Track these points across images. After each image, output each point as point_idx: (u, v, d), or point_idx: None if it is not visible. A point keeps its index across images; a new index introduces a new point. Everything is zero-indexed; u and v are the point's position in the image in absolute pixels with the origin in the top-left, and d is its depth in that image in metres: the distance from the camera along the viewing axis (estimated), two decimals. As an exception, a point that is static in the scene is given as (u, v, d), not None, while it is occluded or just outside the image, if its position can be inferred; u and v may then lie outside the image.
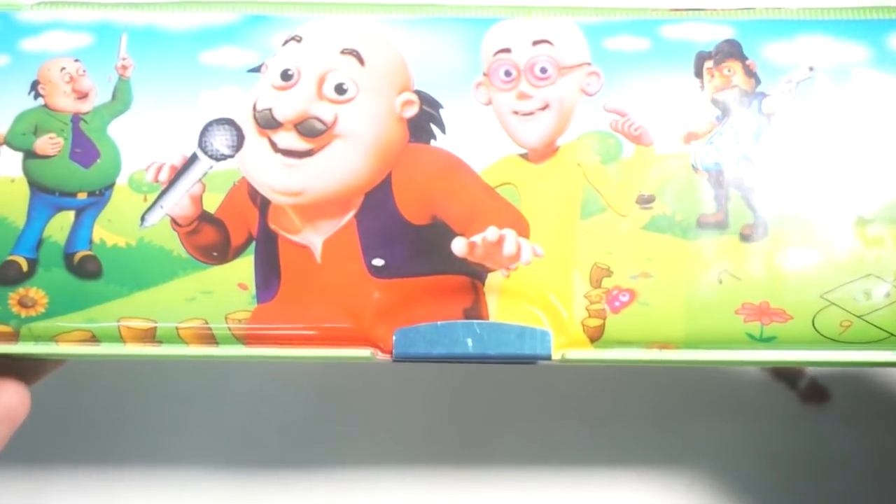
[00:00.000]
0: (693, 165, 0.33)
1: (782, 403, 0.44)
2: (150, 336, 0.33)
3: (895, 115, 0.33)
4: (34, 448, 0.40)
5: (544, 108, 0.34)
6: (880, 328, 0.33)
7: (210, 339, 0.33)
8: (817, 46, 0.34)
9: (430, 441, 0.44)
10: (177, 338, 0.33)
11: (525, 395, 0.44)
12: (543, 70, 0.34)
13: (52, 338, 0.33)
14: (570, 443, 0.44)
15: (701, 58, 0.34)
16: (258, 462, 0.44)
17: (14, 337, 0.33)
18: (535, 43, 0.34)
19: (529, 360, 0.33)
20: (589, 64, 0.34)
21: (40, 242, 0.33)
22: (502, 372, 0.42)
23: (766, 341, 0.33)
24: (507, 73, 0.34)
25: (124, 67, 0.34)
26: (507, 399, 0.44)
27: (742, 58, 0.34)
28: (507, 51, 0.34)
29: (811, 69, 0.34)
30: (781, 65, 0.34)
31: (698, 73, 0.34)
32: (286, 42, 0.34)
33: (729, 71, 0.34)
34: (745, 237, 0.33)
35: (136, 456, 0.44)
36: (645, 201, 0.33)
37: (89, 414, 0.43)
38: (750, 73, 0.34)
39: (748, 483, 0.44)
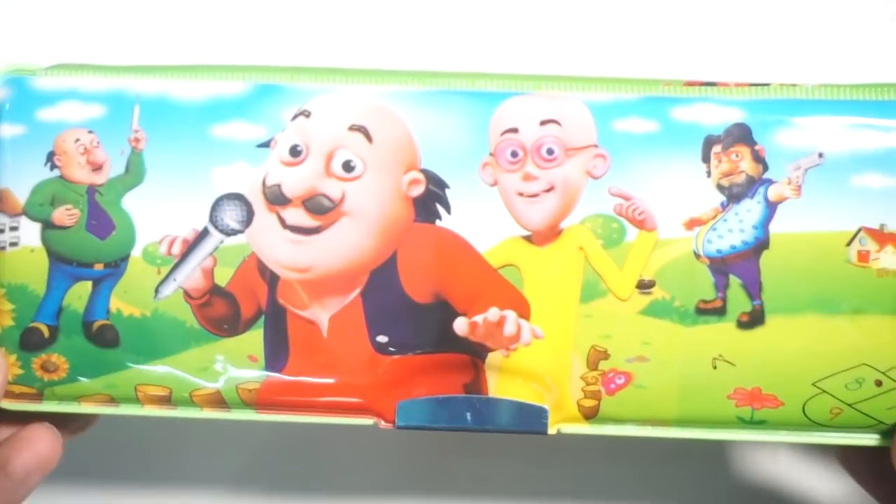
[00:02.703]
0: (695, 252, 0.34)
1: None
2: (165, 400, 0.35)
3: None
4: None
5: (549, 189, 0.34)
6: (869, 416, 0.34)
7: (223, 404, 0.35)
8: (831, 131, 0.34)
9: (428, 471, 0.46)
10: (190, 403, 0.35)
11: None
12: (550, 151, 0.34)
13: (75, 399, 0.35)
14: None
15: (709, 142, 0.34)
16: (260, 487, 0.46)
17: (38, 398, 0.35)
18: (543, 123, 0.34)
19: (526, 434, 0.34)
20: (596, 146, 0.34)
21: (60, 311, 0.34)
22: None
23: (757, 424, 0.34)
24: (514, 154, 0.34)
25: (137, 140, 0.34)
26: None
27: (751, 143, 0.34)
28: (515, 130, 0.34)
29: (821, 155, 0.33)
30: (791, 150, 0.34)
31: (706, 158, 0.34)
32: (295, 117, 0.34)
33: (737, 156, 0.34)
34: (742, 324, 0.34)
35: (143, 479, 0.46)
36: (645, 286, 0.34)
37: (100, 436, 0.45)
38: (758, 158, 0.34)
39: (749, 483, 0.45)
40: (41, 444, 0.35)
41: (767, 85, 0.34)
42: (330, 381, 0.34)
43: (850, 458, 0.37)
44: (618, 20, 0.44)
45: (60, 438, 0.35)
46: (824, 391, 0.34)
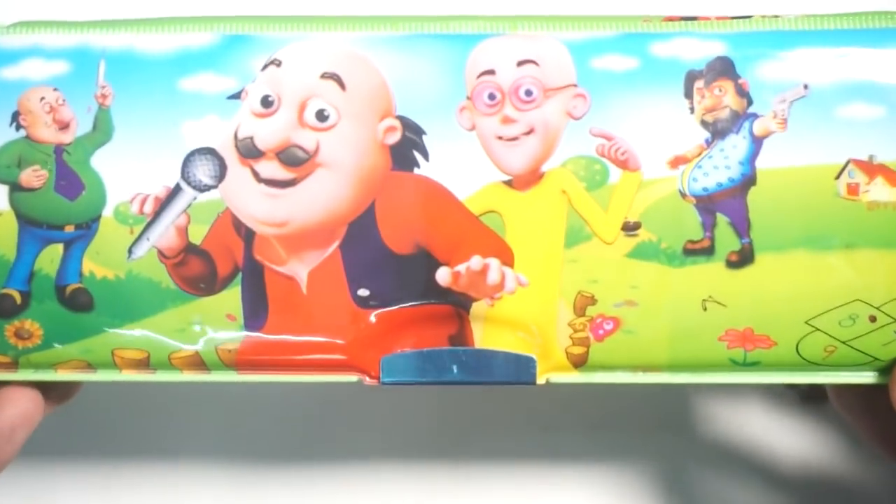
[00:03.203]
0: (680, 191, 0.33)
1: (783, 403, 0.45)
2: (144, 364, 0.34)
3: (888, 140, 0.32)
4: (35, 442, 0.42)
5: (529, 132, 0.33)
6: (865, 353, 0.33)
7: (202, 366, 0.34)
8: (815, 62, 0.33)
9: (423, 436, 0.45)
10: (169, 365, 0.34)
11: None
12: (528, 93, 0.33)
13: (51, 366, 0.34)
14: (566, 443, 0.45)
15: (691, 77, 0.33)
16: (255, 456, 0.45)
17: (13, 366, 0.34)
18: (520, 63, 0.33)
19: (515, 385, 0.34)
20: (575, 86, 0.33)
21: (32, 275, 0.33)
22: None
23: (750, 366, 0.33)
24: (492, 97, 0.33)
25: (104, 96, 0.33)
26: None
27: (734, 76, 0.33)
28: (492, 72, 0.33)
29: (806, 87, 0.33)
30: (776, 82, 0.33)
31: (688, 94, 0.33)
32: (265, 66, 0.33)
33: (720, 91, 0.33)
34: (731, 264, 0.33)
35: (134, 450, 0.45)
36: (630, 228, 0.33)
37: (89, 408, 0.44)
38: (742, 92, 0.33)
39: (748, 483, 0.44)
40: (24, 400, 0.34)
41: (749, 17, 0.33)
42: (311, 338, 0.33)
43: (843, 395, 0.36)
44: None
45: (41, 396, 0.35)
46: (818, 329, 0.33)
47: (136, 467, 0.45)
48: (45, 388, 0.35)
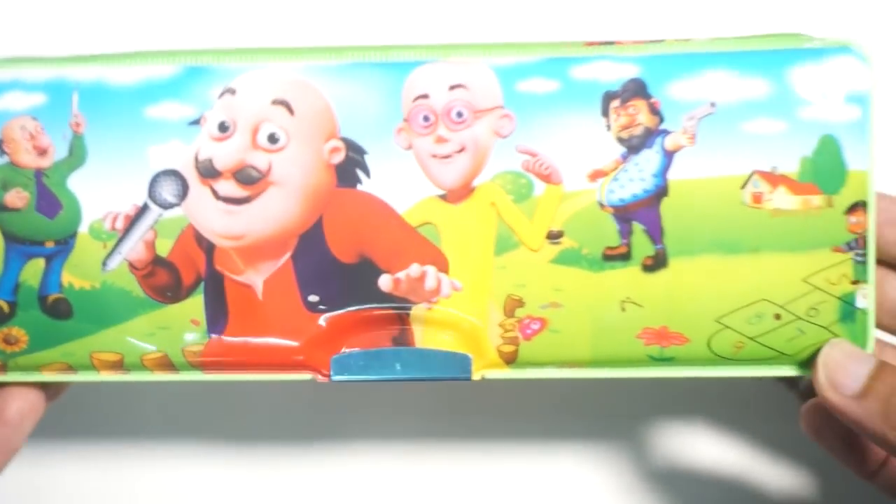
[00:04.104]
0: (599, 202, 0.36)
1: (782, 403, 0.46)
2: (118, 365, 0.37)
3: (789, 152, 0.35)
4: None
5: (461, 150, 0.36)
6: (771, 348, 0.36)
7: (171, 367, 0.37)
8: (722, 82, 0.36)
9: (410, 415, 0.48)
10: (142, 367, 0.37)
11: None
12: (459, 114, 0.36)
13: (36, 368, 0.38)
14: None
15: (608, 97, 0.36)
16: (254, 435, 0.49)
17: (2, 369, 0.38)
18: (452, 88, 0.36)
19: (453, 381, 0.37)
20: (502, 107, 0.36)
21: (17, 287, 0.37)
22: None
23: (666, 361, 0.36)
24: (426, 119, 0.36)
25: (77, 124, 0.37)
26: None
27: (647, 96, 0.36)
28: (426, 96, 0.36)
29: (713, 105, 0.36)
30: (685, 101, 0.36)
31: (605, 113, 0.36)
32: (222, 94, 0.37)
33: (634, 110, 0.36)
34: (646, 268, 0.36)
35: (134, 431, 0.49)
36: (554, 237, 0.36)
37: (90, 392, 0.48)
38: (654, 111, 0.36)
39: (749, 483, 0.46)
40: (28, 393, 0.39)
41: (662, 41, 0.36)
42: (267, 339, 0.37)
43: (810, 419, 0.39)
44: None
45: (42, 392, 0.39)
46: (727, 327, 0.36)
47: (135, 450, 0.49)
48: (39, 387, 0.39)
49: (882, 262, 0.38)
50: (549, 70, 0.36)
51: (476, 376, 0.37)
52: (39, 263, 0.37)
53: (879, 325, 0.38)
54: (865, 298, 0.36)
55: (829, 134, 0.35)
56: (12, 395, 0.38)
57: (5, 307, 0.37)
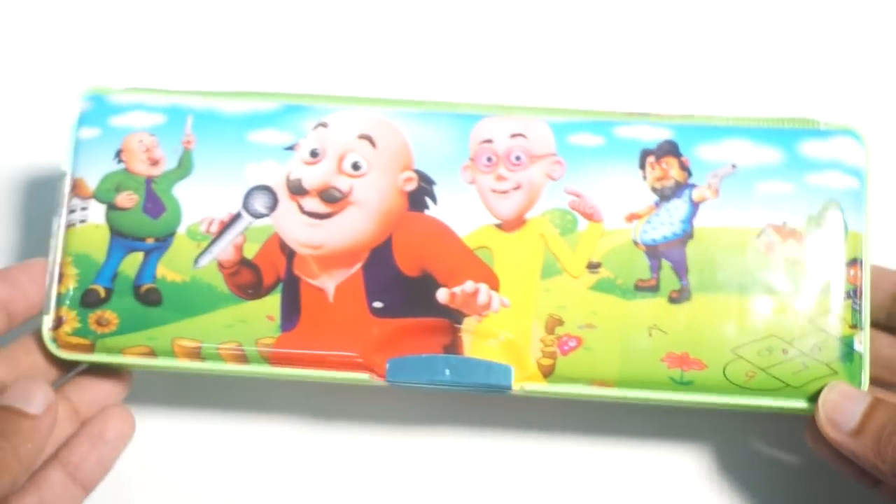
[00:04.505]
0: (634, 240, 0.42)
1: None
2: (196, 354, 0.42)
3: (797, 211, 0.41)
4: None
5: (517, 188, 0.42)
6: (779, 379, 0.41)
7: (243, 358, 0.42)
8: (742, 148, 0.42)
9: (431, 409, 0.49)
10: (217, 356, 0.42)
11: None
12: (518, 158, 0.42)
13: (120, 351, 0.42)
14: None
15: (645, 153, 0.42)
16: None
17: (91, 348, 0.42)
18: (513, 136, 0.43)
19: (495, 390, 0.41)
20: (555, 155, 0.42)
21: (115, 276, 0.42)
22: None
23: (685, 384, 0.41)
24: (489, 159, 0.42)
25: (188, 142, 0.43)
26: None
27: (678, 155, 0.42)
28: (490, 141, 0.43)
29: (734, 166, 0.42)
30: (711, 161, 0.42)
31: (642, 166, 0.42)
32: (316, 127, 0.43)
33: (666, 165, 0.42)
34: (672, 300, 0.41)
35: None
36: (593, 267, 0.42)
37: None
38: (684, 167, 0.42)
39: (749, 483, 0.48)
40: (125, 415, 0.43)
41: (692, 115, 0.43)
42: (333, 337, 0.42)
43: (814, 431, 0.41)
44: (580, 62, 0.52)
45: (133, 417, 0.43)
46: (741, 357, 0.41)
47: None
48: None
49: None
50: (596, 128, 0.43)
51: (516, 387, 0.41)
52: (138, 257, 0.42)
53: (874, 378, 0.43)
54: (861, 343, 0.41)
55: (831, 199, 0.41)
56: (111, 415, 0.43)
57: (102, 292, 0.42)
